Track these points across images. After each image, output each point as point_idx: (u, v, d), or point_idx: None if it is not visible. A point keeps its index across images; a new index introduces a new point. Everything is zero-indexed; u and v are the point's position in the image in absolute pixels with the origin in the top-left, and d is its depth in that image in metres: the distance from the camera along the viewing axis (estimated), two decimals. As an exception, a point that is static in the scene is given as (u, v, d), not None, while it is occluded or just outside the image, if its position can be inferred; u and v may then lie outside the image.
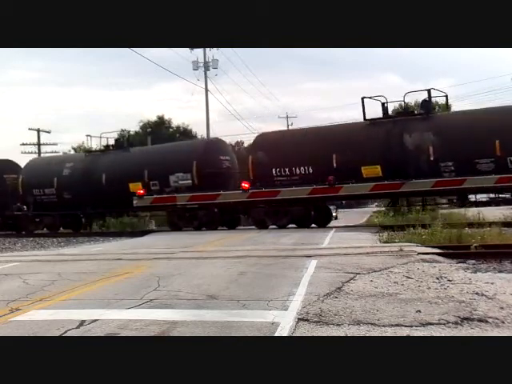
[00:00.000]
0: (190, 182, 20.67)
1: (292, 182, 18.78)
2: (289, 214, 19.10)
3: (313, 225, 19.40)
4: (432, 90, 18.22)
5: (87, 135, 26.88)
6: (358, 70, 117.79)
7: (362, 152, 17.80)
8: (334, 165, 18.04)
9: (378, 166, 17.63)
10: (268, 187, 18.89)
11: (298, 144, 19.24)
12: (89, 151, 25.21)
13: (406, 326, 4.58)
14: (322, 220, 19.93)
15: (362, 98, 18.62)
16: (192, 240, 15.54)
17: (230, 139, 56.64)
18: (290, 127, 55.97)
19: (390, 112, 19.73)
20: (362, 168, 17.73)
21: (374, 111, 19.48)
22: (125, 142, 25.45)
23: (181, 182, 20.80)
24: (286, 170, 19.01)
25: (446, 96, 19.16)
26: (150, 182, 21.33)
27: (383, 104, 18.63)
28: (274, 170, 19.13)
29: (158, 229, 25.36)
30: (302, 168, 18.77)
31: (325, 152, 18.27)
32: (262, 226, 19.41)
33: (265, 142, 20.54)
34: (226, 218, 20.86)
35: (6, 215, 25.57)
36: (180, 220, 20.97)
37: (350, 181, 17.75)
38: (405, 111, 19.88)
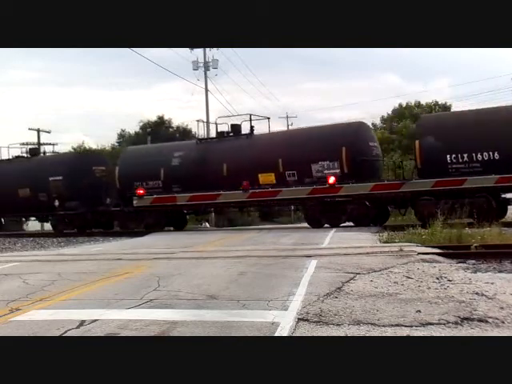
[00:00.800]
0: (338, 171, 18.01)
1: (472, 171, 16.22)
2: (467, 207, 15.73)
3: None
4: None
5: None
6: (358, 70, 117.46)
7: None
8: None
9: None
10: (441, 176, 16.49)
11: (480, 125, 16.42)
12: (202, 138, 21.55)
13: (405, 326, 4.59)
14: (500, 213, 17.00)
15: None
16: (192, 240, 15.56)
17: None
18: (290, 127, 55.79)
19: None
20: None
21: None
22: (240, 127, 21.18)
23: (326, 172, 18.16)
24: (465, 156, 16.26)
25: None
26: (286, 172, 18.72)
27: None
28: (448, 156, 16.46)
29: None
30: (484, 153, 16.02)
31: None
32: (428, 221, 16.44)
33: (435, 124, 17.86)
34: (374, 213, 18.38)
35: (99, 211, 22.03)
36: (323, 215, 18.56)
37: None
38: None
